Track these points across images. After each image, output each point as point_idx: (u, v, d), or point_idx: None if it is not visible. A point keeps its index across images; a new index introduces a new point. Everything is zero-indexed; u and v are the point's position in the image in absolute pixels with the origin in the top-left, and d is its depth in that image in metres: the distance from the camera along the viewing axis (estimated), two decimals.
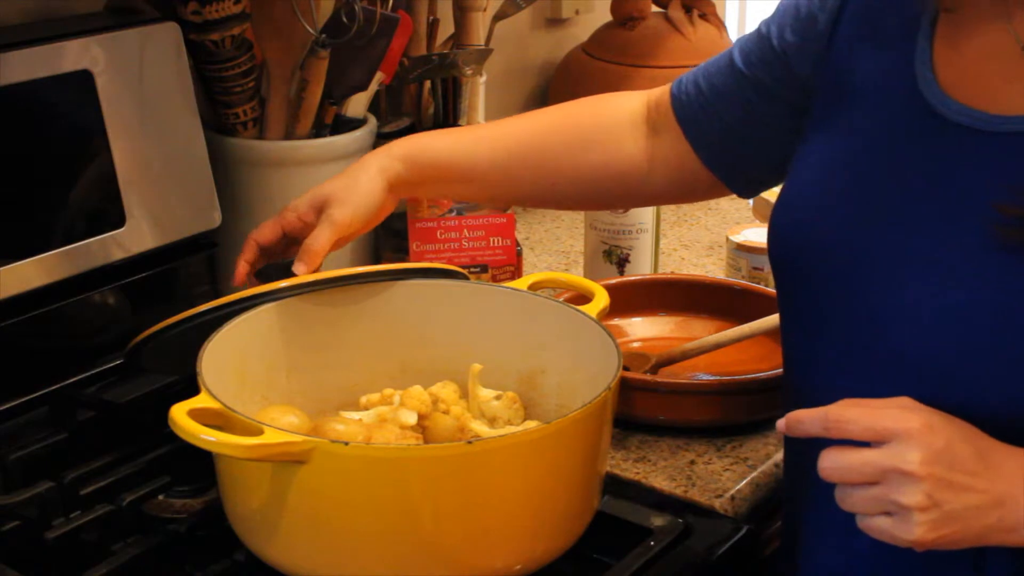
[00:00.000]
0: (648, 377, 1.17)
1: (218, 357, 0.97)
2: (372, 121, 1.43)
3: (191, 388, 0.92)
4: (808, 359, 0.98)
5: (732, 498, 1.09)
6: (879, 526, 0.83)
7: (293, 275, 1.05)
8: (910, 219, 0.90)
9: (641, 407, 1.17)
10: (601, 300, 1.09)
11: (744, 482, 1.11)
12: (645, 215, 1.42)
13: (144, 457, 1.08)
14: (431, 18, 1.51)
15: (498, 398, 1.06)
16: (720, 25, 1.86)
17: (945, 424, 0.84)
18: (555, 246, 1.67)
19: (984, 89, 0.90)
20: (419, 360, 1.12)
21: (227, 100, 1.31)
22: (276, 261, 1.12)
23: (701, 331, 1.35)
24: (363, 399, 1.07)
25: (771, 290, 1.37)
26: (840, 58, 0.98)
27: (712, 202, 1.82)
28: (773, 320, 1.27)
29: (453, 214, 1.36)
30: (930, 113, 0.91)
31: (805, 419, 0.86)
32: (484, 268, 1.38)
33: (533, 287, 1.11)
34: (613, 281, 1.36)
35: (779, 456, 1.15)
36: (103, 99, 1.18)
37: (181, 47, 1.24)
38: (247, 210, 1.35)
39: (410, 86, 1.49)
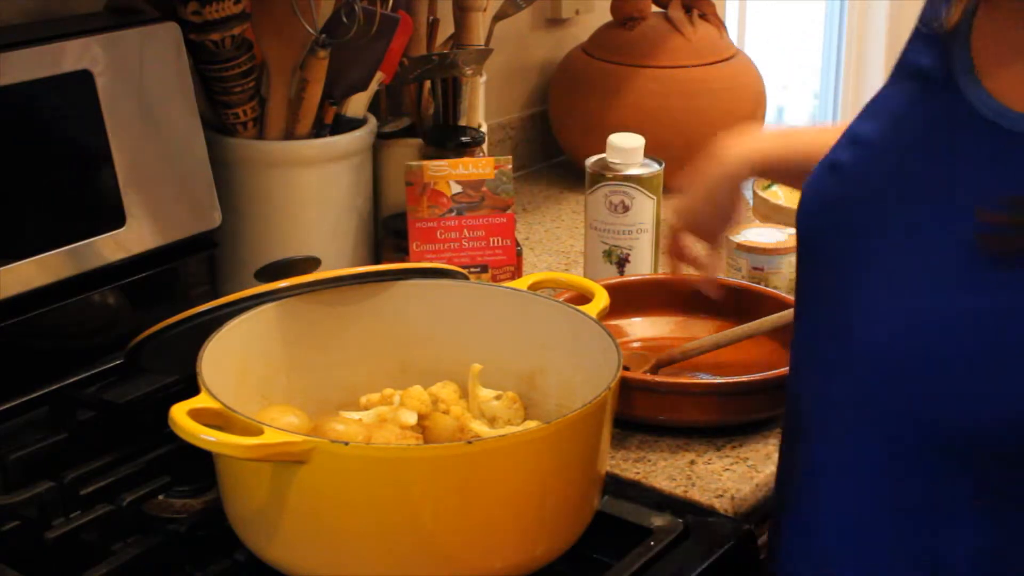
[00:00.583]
0: (648, 377, 1.17)
1: (218, 357, 0.97)
2: (372, 121, 1.43)
3: (191, 388, 0.92)
4: (806, 354, 0.99)
5: (732, 498, 1.09)
6: None
7: (293, 275, 1.05)
8: (911, 215, 0.89)
9: (641, 407, 1.17)
10: (601, 300, 1.09)
11: (744, 482, 1.11)
12: (645, 215, 1.41)
13: (144, 457, 1.08)
14: (431, 18, 1.51)
15: (498, 398, 1.06)
16: (720, 25, 1.86)
17: None
18: (555, 246, 1.67)
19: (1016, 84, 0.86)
20: (419, 360, 1.12)
21: (227, 100, 1.31)
22: (276, 261, 1.12)
23: (701, 331, 1.35)
24: (363, 399, 1.07)
25: (771, 290, 1.37)
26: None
27: None
28: (773, 320, 1.27)
29: (453, 214, 1.36)
30: (960, 101, 0.87)
31: None
32: (484, 268, 1.38)
33: (533, 287, 1.11)
34: (613, 281, 1.36)
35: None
36: (103, 99, 1.18)
37: (181, 47, 1.24)
38: (247, 210, 1.35)
39: (410, 86, 1.49)
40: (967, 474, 0.85)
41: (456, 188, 1.36)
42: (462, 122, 1.46)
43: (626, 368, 1.15)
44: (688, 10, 1.83)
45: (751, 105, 1.82)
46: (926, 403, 0.85)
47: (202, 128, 1.28)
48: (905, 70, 0.94)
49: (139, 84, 1.21)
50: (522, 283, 1.12)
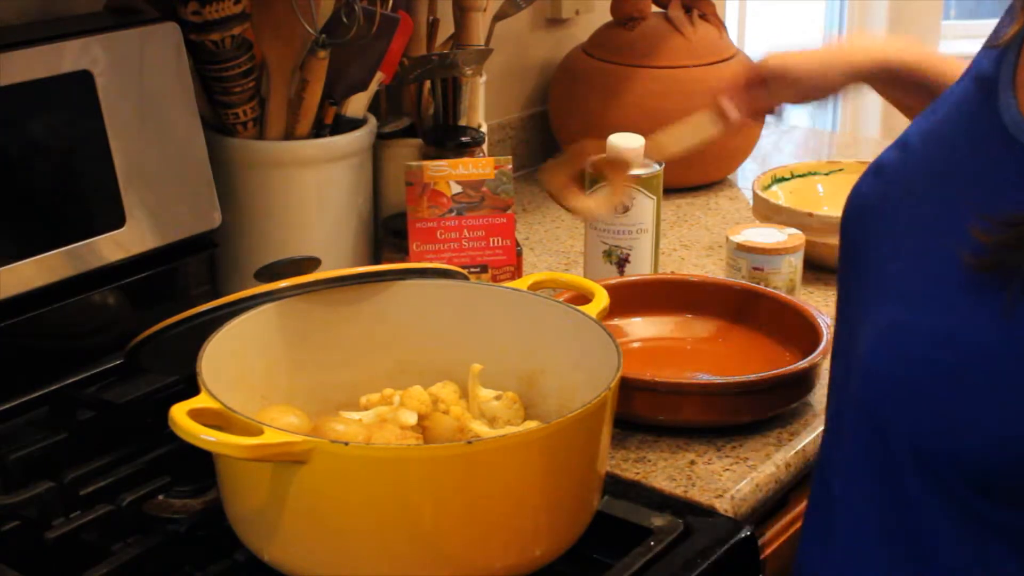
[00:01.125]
0: (648, 377, 1.17)
1: (218, 357, 0.97)
2: (372, 121, 1.43)
3: (191, 388, 0.92)
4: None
5: (732, 498, 1.09)
6: None
7: (293, 275, 1.05)
8: (920, 225, 0.87)
9: (641, 407, 1.17)
10: (601, 300, 1.08)
11: (744, 482, 1.11)
12: (645, 215, 1.41)
13: (144, 457, 1.08)
14: (431, 18, 1.51)
15: (498, 398, 1.06)
16: (720, 25, 1.86)
17: None
18: (555, 246, 1.67)
19: None
20: (419, 360, 1.12)
21: (227, 100, 1.31)
22: (276, 261, 1.13)
23: (701, 331, 1.35)
24: (363, 399, 1.07)
25: (771, 290, 1.37)
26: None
27: (712, 202, 1.82)
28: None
29: (453, 214, 1.36)
30: (996, 114, 0.85)
31: None
32: (484, 268, 1.38)
33: (533, 287, 1.11)
34: (613, 281, 1.36)
35: (779, 456, 1.15)
36: (103, 99, 1.18)
37: (181, 47, 1.24)
38: (247, 210, 1.35)
39: (410, 86, 1.49)
40: (951, 502, 0.83)
41: (456, 188, 1.36)
42: (462, 122, 1.46)
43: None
44: (688, 10, 1.83)
45: None
46: (909, 423, 0.83)
47: (202, 128, 1.28)
48: (971, 72, 0.92)
49: (139, 84, 1.21)
50: (522, 283, 1.12)
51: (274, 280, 1.04)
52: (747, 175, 1.89)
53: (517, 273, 1.38)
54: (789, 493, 1.19)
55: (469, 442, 0.91)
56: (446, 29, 1.54)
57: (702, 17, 1.83)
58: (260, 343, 1.05)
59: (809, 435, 1.19)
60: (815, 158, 1.87)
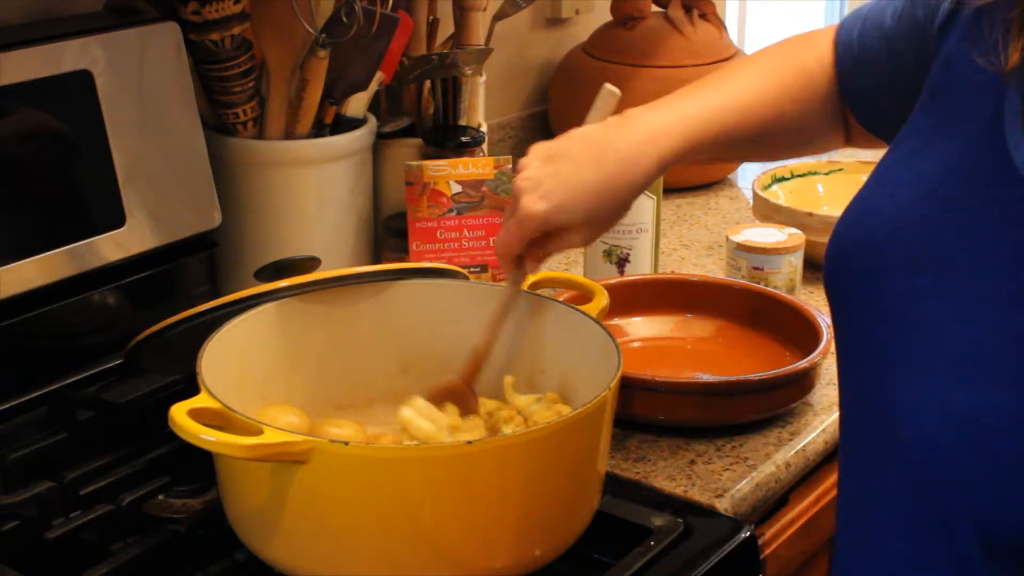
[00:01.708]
0: (648, 377, 1.17)
1: (218, 357, 0.97)
2: (372, 121, 1.43)
3: (191, 388, 0.92)
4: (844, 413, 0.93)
5: (732, 498, 1.09)
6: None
7: (293, 275, 1.05)
8: (948, 284, 0.80)
9: (641, 407, 1.17)
10: (601, 300, 1.08)
11: (744, 482, 1.11)
12: (645, 215, 1.42)
13: (144, 457, 1.08)
14: (431, 18, 1.51)
15: (539, 401, 1.05)
16: (720, 25, 1.86)
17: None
18: None
19: None
20: (419, 360, 1.12)
21: (227, 100, 1.31)
22: (276, 261, 1.12)
23: (701, 331, 1.35)
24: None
25: (771, 290, 1.37)
26: (946, 62, 0.87)
27: (712, 202, 1.82)
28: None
29: (453, 214, 1.36)
30: (1009, 164, 0.79)
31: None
32: (484, 268, 1.38)
33: (533, 287, 1.11)
34: (613, 281, 1.36)
35: (779, 456, 1.15)
36: (103, 99, 1.18)
37: (181, 47, 1.24)
38: (247, 210, 1.35)
39: (410, 86, 1.49)
40: None
41: (456, 188, 1.36)
42: (462, 122, 1.46)
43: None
44: (688, 10, 1.83)
45: None
46: (982, 509, 0.77)
47: (202, 128, 1.28)
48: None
49: (139, 84, 1.21)
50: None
51: (274, 280, 1.04)
52: (747, 175, 1.89)
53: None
54: (789, 493, 1.19)
55: (469, 442, 0.91)
56: (446, 29, 1.54)
57: (702, 17, 1.83)
58: (260, 343, 1.05)
59: (809, 435, 1.19)
60: (815, 158, 1.87)
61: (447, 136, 1.43)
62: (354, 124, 1.39)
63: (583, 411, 0.91)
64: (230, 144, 1.34)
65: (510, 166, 1.37)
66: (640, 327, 1.36)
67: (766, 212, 1.59)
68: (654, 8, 1.84)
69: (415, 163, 1.36)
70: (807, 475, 1.21)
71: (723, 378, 1.20)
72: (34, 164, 1.16)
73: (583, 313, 1.05)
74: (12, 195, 1.14)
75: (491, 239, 1.37)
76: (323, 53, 1.31)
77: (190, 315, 1.02)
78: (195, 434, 0.84)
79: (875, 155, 1.01)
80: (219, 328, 1.00)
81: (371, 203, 1.45)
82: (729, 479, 1.11)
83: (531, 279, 1.12)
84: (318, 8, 1.30)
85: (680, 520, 1.02)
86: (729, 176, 1.91)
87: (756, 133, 1.02)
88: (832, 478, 1.26)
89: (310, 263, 1.11)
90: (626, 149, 0.96)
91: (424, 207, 1.36)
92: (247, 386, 1.02)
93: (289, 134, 1.35)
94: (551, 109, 1.90)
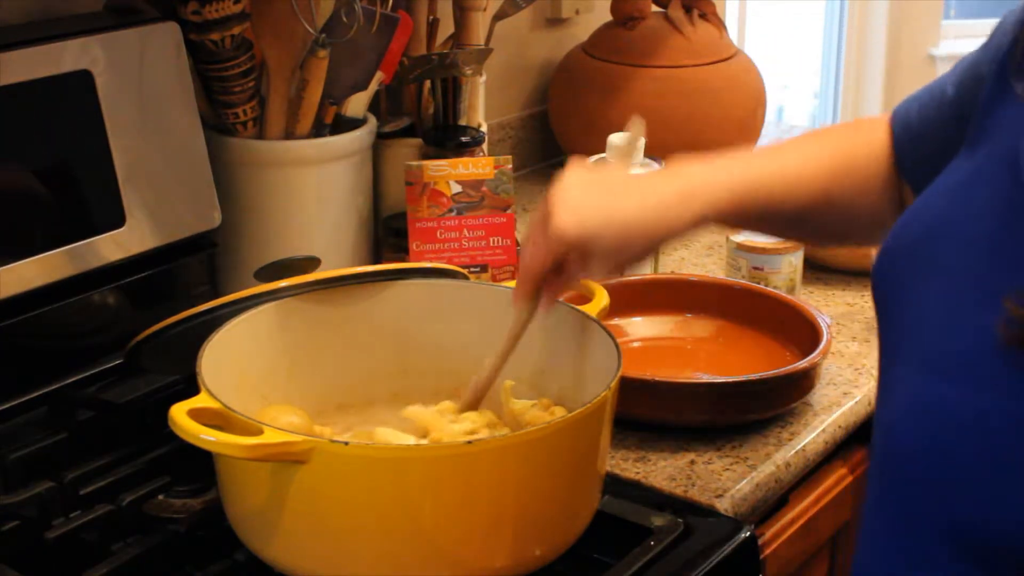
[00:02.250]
0: (648, 377, 1.17)
1: (218, 357, 0.97)
2: (372, 121, 1.43)
3: (191, 388, 0.92)
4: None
5: (732, 498, 1.09)
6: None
7: (293, 275, 1.05)
8: (946, 293, 0.82)
9: (641, 407, 1.17)
10: (601, 300, 1.08)
11: (744, 482, 1.11)
12: None
13: (144, 457, 1.08)
14: (431, 18, 1.51)
15: (535, 406, 1.05)
16: (720, 25, 1.86)
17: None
18: None
19: None
20: (419, 360, 1.12)
21: (227, 100, 1.31)
22: (276, 261, 1.12)
23: (701, 331, 1.35)
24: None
25: (771, 290, 1.37)
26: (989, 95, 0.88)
27: None
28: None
29: (453, 214, 1.36)
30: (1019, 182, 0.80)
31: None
32: (484, 268, 1.38)
33: None
34: (613, 281, 1.36)
35: (779, 456, 1.15)
36: (103, 99, 1.18)
37: (181, 47, 1.24)
38: (247, 210, 1.35)
39: (410, 86, 1.49)
40: None
41: (456, 188, 1.36)
42: (462, 122, 1.46)
43: None
44: (688, 10, 1.83)
45: (751, 105, 1.82)
46: (937, 501, 0.79)
47: (202, 128, 1.28)
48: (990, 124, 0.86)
49: (139, 84, 1.21)
50: None
51: (274, 280, 1.04)
52: None
53: (517, 273, 1.38)
54: (789, 493, 1.19)
55: (469, 442, 0.91)
56: (446, 29, 1.54)
57: (702, 17, 1.83)
58: (260, 343, 1.05)
59: (809, 435, 1.19)
60: None
61: (447, 136, 1.43)
62: (354, 124, 1.39)
63: (583, 411, 0.91)
64: (230, 144, 1.34)
65: (510, 166, 1.37)
66: (640, 327, 1.36)
67: None
68: (654, 8, 1.84)
69: (415, 163, 1.37)
70: (807, 475, 1.21)
71: (723, 378, 1.20)
72: (34, 164, 1.16)
73: (583, 313, 1.05)
74: (12, 195, 1.14)
75: (492, 238, 1.37)
76: (323, 53, 1.31)
77: (190, 315, 1.02)
78: (195, 434, 0.84)
79: None
80: (219, 328, 1.00)
81: (371, 203, 1.45)
82: (729, 479, 1.11)
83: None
84: (318, 8, 1.30)
85: (680, 520, 1.02)
86: None
87: (803, 209, 1.01)
88: (832, 478, 1.26)
89: (310, 263, 1.11)
90: (671, 195, 0.96)
91: (424, 207, 1.36)
92: (247, 386, 1.02)
93: (289, 134, 1.35)
94: (551, 109, 1.90)
